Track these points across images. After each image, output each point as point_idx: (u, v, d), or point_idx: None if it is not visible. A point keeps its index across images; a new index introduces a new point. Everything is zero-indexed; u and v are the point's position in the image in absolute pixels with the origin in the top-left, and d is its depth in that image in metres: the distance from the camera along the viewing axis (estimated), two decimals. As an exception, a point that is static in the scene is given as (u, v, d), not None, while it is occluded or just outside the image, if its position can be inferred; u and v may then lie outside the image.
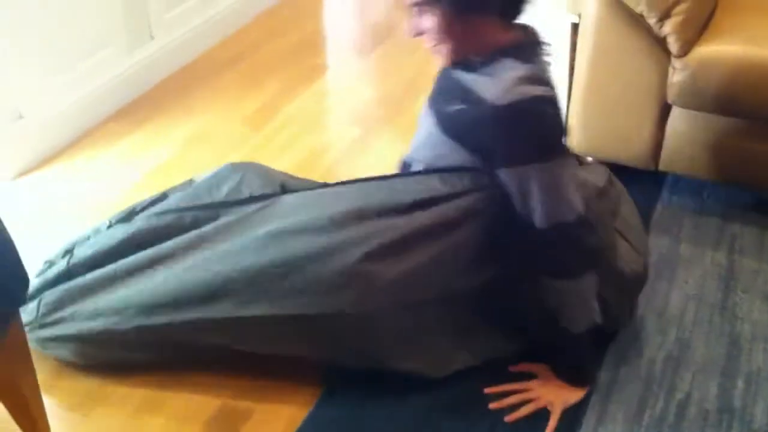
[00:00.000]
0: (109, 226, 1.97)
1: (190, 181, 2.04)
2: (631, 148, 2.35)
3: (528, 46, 1.72)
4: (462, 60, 1.72)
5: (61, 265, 1.90)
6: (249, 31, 3.48)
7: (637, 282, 1.92)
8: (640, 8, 2.13)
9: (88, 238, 1.99)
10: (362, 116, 2.93)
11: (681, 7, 2.10)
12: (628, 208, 2.00)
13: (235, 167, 1.98)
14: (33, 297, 1.86)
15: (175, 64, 3.15)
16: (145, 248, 1.84)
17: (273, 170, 2.04)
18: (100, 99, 2.83)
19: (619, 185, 2.02)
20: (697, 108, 2.21)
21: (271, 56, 3.31)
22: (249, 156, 2.67)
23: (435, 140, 1.77)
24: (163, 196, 1.99)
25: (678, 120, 2.28)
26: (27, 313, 1.84)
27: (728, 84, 2.12)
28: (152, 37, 3.04)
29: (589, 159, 2.33)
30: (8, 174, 2.56)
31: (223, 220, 1.83)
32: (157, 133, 2.79)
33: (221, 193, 1.90)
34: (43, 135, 2.64)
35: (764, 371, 1.86)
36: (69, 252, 1.94)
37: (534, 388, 1.79)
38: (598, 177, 1.94)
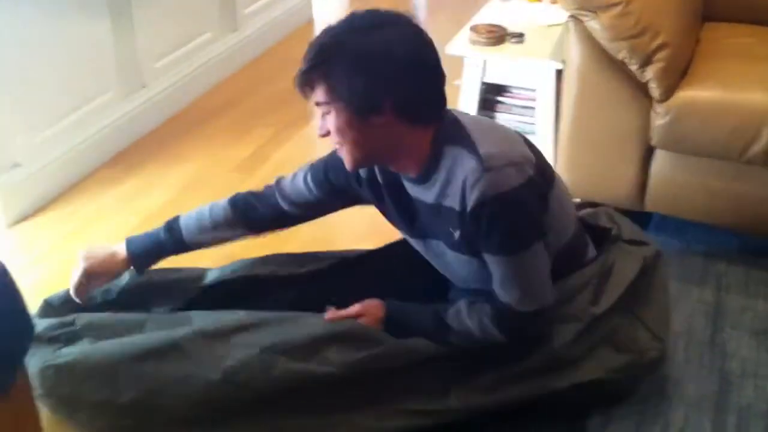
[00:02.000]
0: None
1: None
2: (617, 190, 2.41)
3: (450, 126, 1.65)
4: (413, 175, 1.67)
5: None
6: (237, 79, 3.54)
7: (650, 366, 1.91)
8: (622, 55, 2.20)
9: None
10: (351, 161, 2.97)
11: (661, 54, 2.17)
12: (659, 294, 1.95)
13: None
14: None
15: (166, 112, 3.19)
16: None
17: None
18: (94, 147, 2.87)
19: (660, 270, 1.96)
20: (680, 150, 2.28)
21: (259, 103, 3.36)
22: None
23: (461, 262, 1.73)
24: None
25: (661, 162, 2.33)
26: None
27: (709, 127, 2.19)
28: (144, 86, 3.09)
29: (577, 199, 2.37)
30: (3, 222, 2.58)
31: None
32: (150, 180, 2.83)
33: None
34: (37, 183, 2.67)
35: (755, 407, 1.89)
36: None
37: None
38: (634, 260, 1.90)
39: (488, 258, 1.66)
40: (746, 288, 2.26)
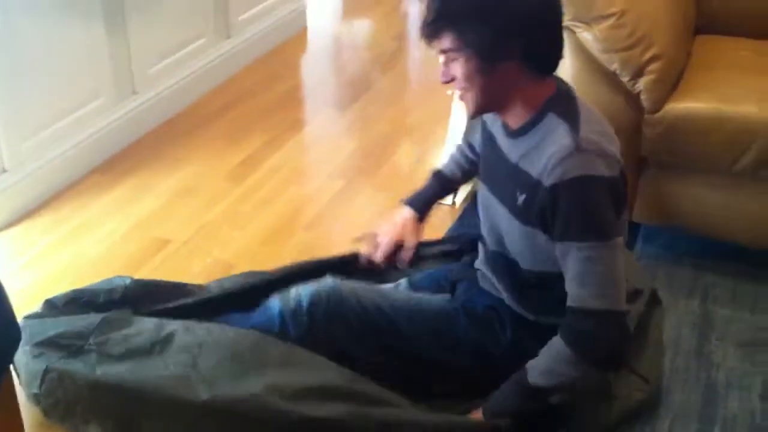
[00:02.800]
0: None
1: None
2: (607, 200, 2.41)
3: (564, 97, 1.69)
4: (503, 123, 1.72)
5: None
6: (231, 86, 3.55)
7: (637, 408, 1.86)
8: (614, 66, 2.21)
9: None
10: (344, 169, 2.98)
11: (653, 66, 2.18)
12: (653, 336, 1.95)
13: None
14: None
15: (158, 118, 3.20)
16: None
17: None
18: (85, 152, 2.87)
19: (655, 312, 1.97)
20: (671, 162, 2.29)
21: (252, 110, 3.37)
22: (232, 208, 2.71)
23: (519, 232, 1.71)
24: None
25: (651, 172, 2.35)
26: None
27: (699, 139, 2.20)
28: (135, 92, 3.10)
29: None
30: (-7, 227, 2.58)
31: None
32: (142, 186, 2.83)
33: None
34: (27, 188, 2.67)
35: (740, 417, 1.90)
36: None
37: None
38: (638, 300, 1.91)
39: (563, 246, 1.60)
40: (733, 299, 2.27)
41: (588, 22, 2.20)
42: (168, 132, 3.17)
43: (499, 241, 1.81)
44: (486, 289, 1.89)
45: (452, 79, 1.66)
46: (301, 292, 1.87)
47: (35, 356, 1.79)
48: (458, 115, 2.70)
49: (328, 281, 1.89)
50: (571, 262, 1.60)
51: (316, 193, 2.84)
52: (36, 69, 2.64)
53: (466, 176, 2.14)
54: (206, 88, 3.47)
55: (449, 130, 2.75)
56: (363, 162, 3.03)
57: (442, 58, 1.66)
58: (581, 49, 2.27)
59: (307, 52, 4.08)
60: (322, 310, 1.84)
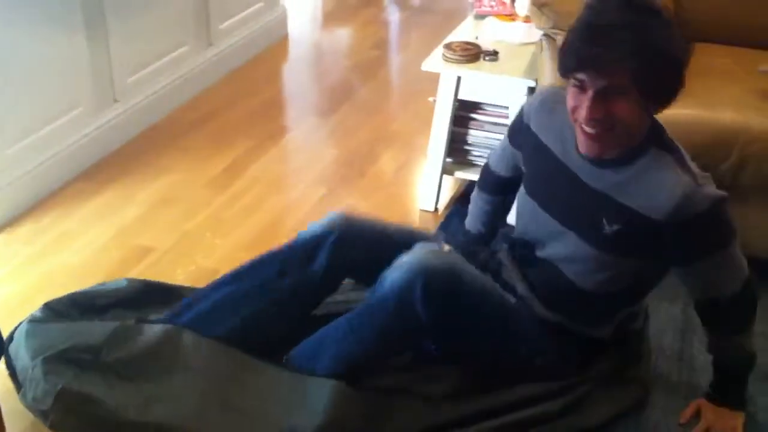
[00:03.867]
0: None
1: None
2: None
3: (659, 127, 1.74)
4: (606, 158, 1.70)
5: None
6: (212, 94, 3.55)
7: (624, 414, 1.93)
8: (595, 73, 2.23)
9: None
10: (326, 176, 2.99)
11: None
12: (648, 343, 2.07)
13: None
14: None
15: (140, 127, 3.19)
16: None
17: None
18: (66, 161, 2.85)
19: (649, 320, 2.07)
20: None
21: (234, 118, 3.37)
22: (214, 216, 2.71)
23: (594, 258, 1.76)
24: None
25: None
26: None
27: (680, 144, 2.22)
28: (116, 101, 3.09)
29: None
30: (-27, 236, 2.56)
31: None
32: (124, 194, 2.82)
33: None
34: (8, 197, 2.65)
35: (722, 420, 1.92)
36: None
37: (709, 420, 1.86)
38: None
39: (691, 268, 1.73)
40: (715, 304, 2.29)
41: (568, 30, 2.22)
42: (149, 140, 3.16)
43: (546, 249, 1.84)
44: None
45: (602, 116, 1.62)
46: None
47: (47, 372, 1.80)
48: (440, 123, 2.71)
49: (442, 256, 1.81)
50: (707, 274, 1.75)
51: (298, 201, 2.84)
52: (16, 78, 2.63)
53: (496, 217, 2.16)
54: (187, 96, 3.46)
55: (431, 138, 2.76)
56: (345, 169, 3.04)
57: (590, 93, 1.60)
58: (562, 57, 2.28)
59: (289, 60, 4.08)
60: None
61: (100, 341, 1.85)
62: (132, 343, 1.86)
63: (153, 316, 2.01)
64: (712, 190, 1.68)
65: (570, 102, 1.65)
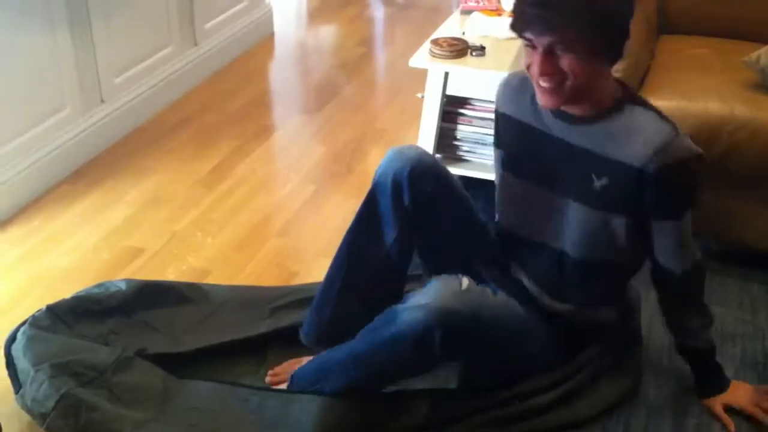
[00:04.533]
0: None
1: None
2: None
3: (632, 88, 1.80)
4: (557, 111, 1.76)
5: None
6: (199, 93, 3.54)
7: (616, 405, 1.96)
8: (581, 67, 2.24)
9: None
10: (314, 174, 2.99)
11: (618, 66, 2.21)
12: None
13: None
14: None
15: (127, 127, 3.18)
16: None
17: None
18: (53, 162, 2.84)
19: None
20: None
21: (221, 117, 3.36)
22: (204, 215, 2.70)
23: (587, 218, 1.79)
24: None
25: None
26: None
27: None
28: (102, 101, 3.08)
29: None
30: (-38, 239, 2.55)
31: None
32: (112, 196, 2.81)
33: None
34: (-4, 200, 2.64)
35: (714, 409, 1.94)
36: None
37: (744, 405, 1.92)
38: None
39: (664, 225, 1.76)
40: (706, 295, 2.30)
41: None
42: (137, 141, 3.16)
43: (542, 231, 1.87)
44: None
45: (549, 72, 1.66)
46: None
47: (52, 377, 1.83)
48: (428, 119, 2.72)
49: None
50: (669, 235, 1.77)
51: (287, 198, 2.84)
52: (1, 81, 2.62)
53: None
54: (174, 96, 3.45)
55: (420, 133, 2.76)
56: (333, 166, 3.04)
57: (539, 50, 1.65)
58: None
59: (275, 59, 4.08)
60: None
61: (105, 364, 1.89)
62: (133, 372, 1.91)
63: (151, 318, 2.09)
64: (691, 143, 1.71)
65: (525, 60, 1.70)
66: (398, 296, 1.90)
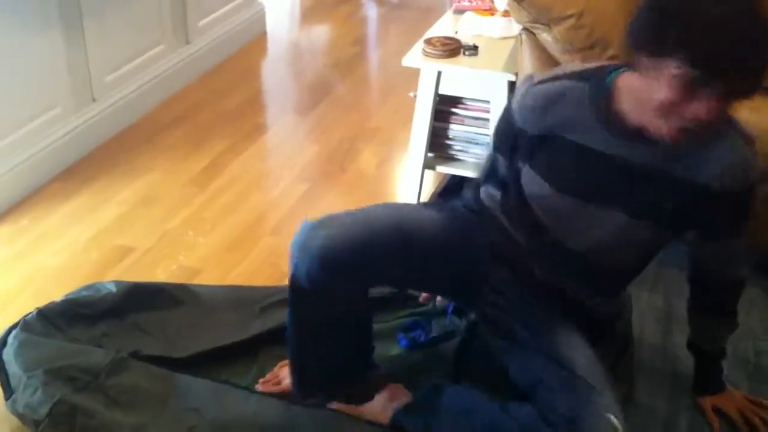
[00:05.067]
0: None
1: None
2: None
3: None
4: (620, 127, 1.60)
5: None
6: (191, 92, 3.53)
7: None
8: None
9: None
10: (307, 173, 2.98)
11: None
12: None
13: None
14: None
15: (118, 126, 3.17)
16: None
17: None
18: (44, 161, 2.83)
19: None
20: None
21: (213, 116, 3.35)
22: (195, 214, 2.69)
23: (641, 236, 1.72)
24: None
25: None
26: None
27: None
28: (94, 100, 3.07)
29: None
30: (-48, 238, 2.53)
31: None
32: (103, 194, 2.80)
33: None
34: (-14, 198, 2.63)
35: (706, 409, 1.94)
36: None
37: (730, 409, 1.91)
38: None
39: (730, 242, 1.77)
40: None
41: (547, 24, 2.23)
42: (128, 139, 3.14)
43: (567, 235, 1.75)
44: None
45: (690, 117, 1.46)
46: None
47: (46, 383, 1.82)
48: (421, 118, 2.71)
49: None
50: (730, 247, 1.78)
51: (280, 198, 2.83)
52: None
53: None
54: (166, 94, 3.44)
55: (412, 133, 2.76)
56: (326, 166, 3.03)
57: (715, 95, 1.43)
58: (540, 51, 2.30)
59: (267, 57, 4.07)
60: None
61: (100, 366, 1.89)
62: (129, 374, 1.90)
63: (143, 321, 2.08)
64: (758, 160, 1.64)
65: (668, 94, 1.45)
66: (368, 327, 1.90)
